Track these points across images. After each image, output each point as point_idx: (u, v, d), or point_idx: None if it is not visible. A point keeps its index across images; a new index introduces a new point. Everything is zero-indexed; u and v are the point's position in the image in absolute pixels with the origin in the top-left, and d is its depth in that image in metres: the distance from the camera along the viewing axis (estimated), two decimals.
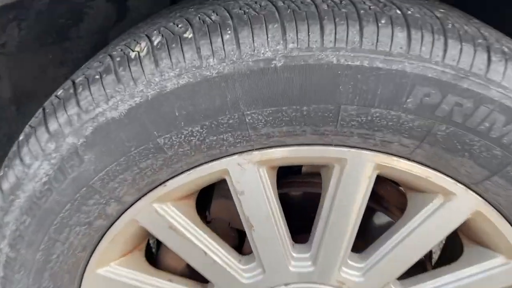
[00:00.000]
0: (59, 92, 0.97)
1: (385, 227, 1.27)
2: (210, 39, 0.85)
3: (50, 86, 1.66)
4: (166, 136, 0.90)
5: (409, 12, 0.87)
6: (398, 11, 0.86)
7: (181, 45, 0.86)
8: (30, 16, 1.42)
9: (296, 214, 1.20)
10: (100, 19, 1.57)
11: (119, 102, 0.88)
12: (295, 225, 1.13)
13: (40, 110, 1.00)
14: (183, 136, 0.90)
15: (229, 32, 0.85)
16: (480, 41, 0.86)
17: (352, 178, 0.96)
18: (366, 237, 1.17)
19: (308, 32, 0.84)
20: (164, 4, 1.58)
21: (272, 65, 0.84)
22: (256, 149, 0.95)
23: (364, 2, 0.88)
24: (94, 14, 1.55)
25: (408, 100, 0.85)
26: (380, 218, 1.32)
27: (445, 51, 0.84)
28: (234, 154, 0.95)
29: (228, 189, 1.02)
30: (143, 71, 0.87)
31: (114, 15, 1.58)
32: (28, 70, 1.56)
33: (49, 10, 1.45)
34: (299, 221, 1.22)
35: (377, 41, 0.83)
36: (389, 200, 1.27)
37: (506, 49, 0.87)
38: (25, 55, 1.52)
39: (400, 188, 1.30)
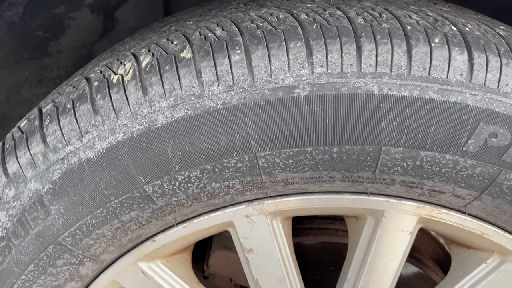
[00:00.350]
0: (23, 123, 0.77)
1: (413, 279, 1.09)
2: (214, 60, 0.66)
3: (25, 109, 1.47)
4: (156, 183, 0.70)
5: (467, 29, 0.69)
6: (454, 28, 0.68)
7: (176, 68, 0.67)
8: (0, 28, 1.24)
9: (311, 267, 1.00)
10: (84, 32, 1.40)
11: (96, 139, 0.69)
12: (310, 280, 0.94)
13: (0, 144, 0.80)
14: (177, 183, 0.71)
15: (239, 52, 0.66)
16: None
17: (389, 233, 0.78)
18: None
19: (341, 53, 0.65)
20: (157, 16, 1.41)
21: (295, 95, 0.65)
22: (270, 197, 0.75)
23: (410, 16, 0.69)
24: (77, 27, 1.38)
25: (469, 142, 0.66)
26: (406, 268, 1.12)
27: None
28: (241, 203, 0.76)
29: (230, 237, 0.83)
30: (127, 100, 0.68)
31: (100, 27, 1.41)
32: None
33: (24, 21, 1.27)
34: (316, 275, 1.02)
35: (431, 65, 0.65)
36: (420, 249, 1.08)
37: None
38: None
39: (433, 234, 1.11)
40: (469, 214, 0.76)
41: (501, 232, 0.77)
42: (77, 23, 1.36)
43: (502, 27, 0.74)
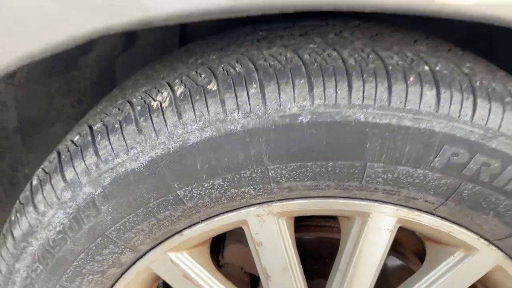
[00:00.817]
0: (75, 137, 0.95)
1: (397, 270, 1.26)
2: (235, 92, 0.84)
3: (55, 115, 1.64)
4: (187, 188, 0.88)
5: (437, 68, 0.86)
6: (427, 67, 0.85)
7: (205, 98, 0.84)
8: None
9: (310, 259, 1.18)
10: (108, 47, 1.55)
11: (140, 153, 0.86)
12: (309, 270, 1.11)
13: (55, 154, 0.97)
14: (204, 188, 0.88)
15: (255, 86, 0.84)
16: (508, 99, 0.85)
17: (374, 231, 0.95)
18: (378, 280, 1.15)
19: (336, 89, 0.82)
20: (174, 34, 1.57)
21: (298, 121, 0.82)
22: (277, 201, 0.93)
23: (392, 57, 0.86)
24: (104, 43, 1.53)
25: (435, 159, 0.84)
26: (392, 261, 1.30)
27: (474, 110, 0.83)
28: (254, 205, 0.93)
29: (242, 233, 1.00)
30: (166, 123, 0.85)
31: (122, 43, 1.56)
32: (35, 100, 1.54)
33: None
34: (314, 266, 1.20)
35: (406, 99, 0.82)
36: (403, 244, 1.25)
37: None
38: (33, 85, 1.50)
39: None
40: (438, 216, 0.93)
41: (465, 231, 0.94)
42: (104, 40, 1.52)
43: (467, 65, 0.91)
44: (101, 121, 0.92)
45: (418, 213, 0.93)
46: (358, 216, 0.96)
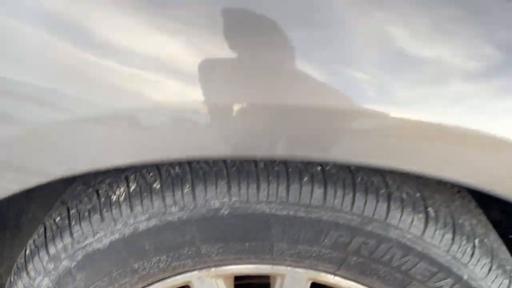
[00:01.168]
0: (57, 218, 1.22)
1: None
2: (173, 191, 1.10)
3: None
4: (140, 262, 1.15)
5: (328, 167, 1.12)
6: (319, 168, 1.11)
7: (151, 195, 1.11)
8: None
9: None
10: None
11: (103, 237, 1.13)
12: None
13: (42, 229, 1.25)
14: (152, 262, 1.15)
15: (188, 186, 1.10)
16: (382, 191, 1.10)
17: (291, 286, 1.21)
18: None
19: (247, 189, 1.08)
20: None
21: (220, 213, 1.09)
22: (212, 267, 1.20)
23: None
24: None
25: (325, 240, 1.10)
26: None
27: (353, 203, 1.08)
28: (194, 270, 1.20)
29: None
30: (121, 214, 1.12)
31: None
32: None
33: None
34: None
35: (300, 196, 1.08)
36: None
37: (404, 196, 1.11)
38: None
39: None
40: (338, 276, 1.19)
41: (361, 286, 1.21)
42: None
43: None
44: (76, 207, 1.20)
45: (323, 274, 1.19)
46: (278, 275, 1.22)
